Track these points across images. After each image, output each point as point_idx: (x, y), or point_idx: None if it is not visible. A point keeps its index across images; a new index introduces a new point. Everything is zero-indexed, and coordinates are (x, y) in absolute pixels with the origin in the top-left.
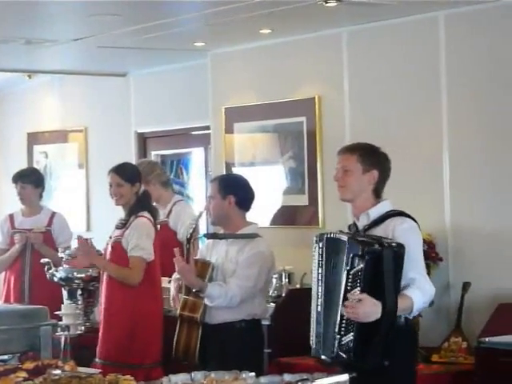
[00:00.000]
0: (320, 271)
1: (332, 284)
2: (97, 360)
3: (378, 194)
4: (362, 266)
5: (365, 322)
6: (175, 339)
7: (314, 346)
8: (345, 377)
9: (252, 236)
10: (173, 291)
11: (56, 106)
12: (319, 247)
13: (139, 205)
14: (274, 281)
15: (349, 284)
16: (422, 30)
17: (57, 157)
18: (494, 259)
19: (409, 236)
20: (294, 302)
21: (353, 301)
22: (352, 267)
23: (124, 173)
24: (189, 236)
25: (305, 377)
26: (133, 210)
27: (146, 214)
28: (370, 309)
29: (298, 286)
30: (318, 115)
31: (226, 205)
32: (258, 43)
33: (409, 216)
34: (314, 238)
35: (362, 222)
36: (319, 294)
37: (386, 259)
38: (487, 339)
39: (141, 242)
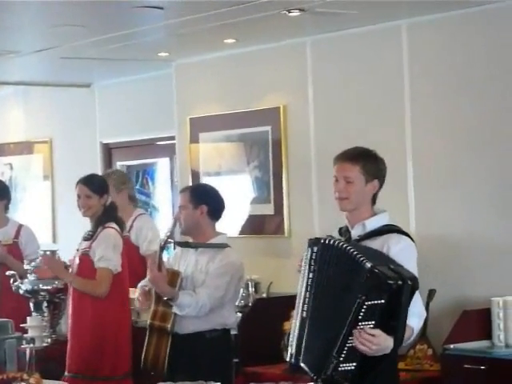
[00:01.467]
0: (311, 276)
1: (328, 296)
2: (66, 374)
3: (374, 202)
4: (381, 302)
5: (371, 357)
6: (144, 350)
7: (293, 352)
8: None
9: (222, 246)
10: (137, 294)
11: (21, 117)
12: (313, 251)
13: (106, 216)
14: (241, 290)
15: (361, 314)
16: (385, 38)
17: (22, 168)
18: (458, 266)
19: (405, 256)
20: (261, 311)
21: (366, 334)
22: (368, 298)
23: (92, 184)
24: (162, 244)
25: None
26: (100, 221)
27: (113, 225)
28: (383, 344)
29: (264, 295)
30: (283, 124)
31: (197, 214)
32: (222, 53)
33: (405, 233)
34: (308, 241)
35: (356, 231)
36: (307, 299)
37: (404, 296)
38: (452, 346)
39: (107, 253)
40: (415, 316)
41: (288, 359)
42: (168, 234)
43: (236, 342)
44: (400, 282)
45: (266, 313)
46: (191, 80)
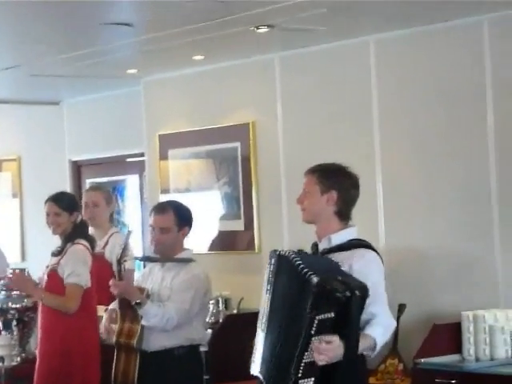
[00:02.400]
0: (269, 288)
1: (282, 310)
2: None
3: (342, 216)
4: (331, 315)
5: (325, 367)
6: (113, 368)
7: (254, 364)
8: None
9: (186, 260)
10: (104, 322)
11: None
12: (271, 263)
13: (76, 232)
14: (211, 307)
15: (313, 329)
16: (353, 54)
17: None
18: (427, 280)
19: (370, 269)
20: (232, 327)
21: (324, 345)
22: (319, 312)
23: (62, 202)
24: (119, 257)
25: None
26: (69, 238)
27: (82, 241)
28: (339, 350)
29: (235, 311)
30: (252, 140)
31: (180, 236)
32: (190, 69)
33: (371, 247)
34: (269, 253)
35: (322, 245)
36: (265, 312)
37: (354, 306)
38: (423, 360)
39: (77, 269)
40: (379, 326)
41: (252, 371)
42: (123, 246)
43: (206, 358)
44: (348, 294)
45: (237, 329)
46: (160, 97)
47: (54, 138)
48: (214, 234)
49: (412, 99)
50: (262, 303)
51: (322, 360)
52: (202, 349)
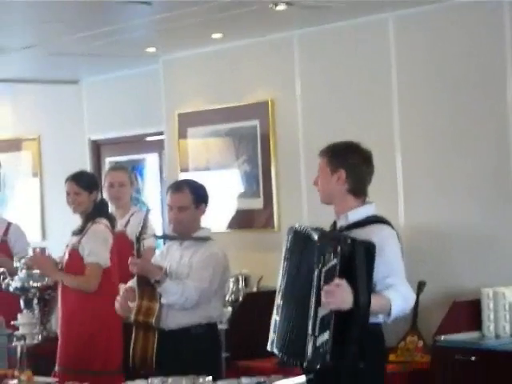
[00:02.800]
0: (285, 265)
1: (297, 281)
2: (56, 368)
3: (356, 193)
4: (335, 261)
5: (339, 319)
6: (132, 347)
7: (276, 344)
8: (302, 378)
9: (204, 239)
10: (119, 299)
11: (9, 114)
12: (287, 240)
13: (96, 212)
14: (231, 285)
15: (322, 281)
16: (371, 31)
17: (11, 166)
18: (447, 258)
19: (387, 243)
20: (251, 305)
21: (330, 287)
22: (324, 264)
23: (82, 181)
24: (138, 235)
25: (262, 379)
26: (90, 217)
27: (103, 220)
28: (346, 295)
29: (254, 289)
30: (271, 118)
31: (197, 214)
32: (209, 48)
33: (388, 223)
34: (287, 230)
35: (340, 223)
36: (281, 288)
37: (358, 254)
38: (442, 337)
39: (96, 248)
40: (397, 292)
41: (268, 348)
42: (141, 225)
43: (227, 336)
44: (349, 241)
45: (257, 307)
46: (179, 75)
47: (74, 117)
48: (233, 212)
49: (432, 76)
50: (279, 278)
51: (330, 303)
52: (222, 327)
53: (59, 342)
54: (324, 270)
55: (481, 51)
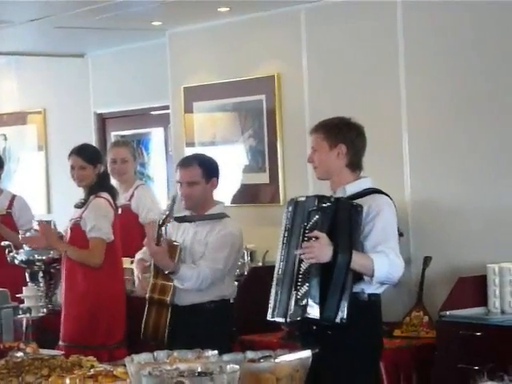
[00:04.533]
0: (286, 235)
1: (293, 247)
2: (60, 342)
3: (353, 168)
4: (317, 217)
5: (320, 273)
6: (144, 322)
7: (270, 310)
8: (307, 353)
9: (221, 216)
10: (137, 272)
11: (14, 87)
12: (288, 211)
13: (99, 185)
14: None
15: (305, 238)
16: (379, 5)
17: (16, 139)
18: (453, 233)
19: (384, 210)
20: (257, 280)
21: (309, 242)
22: (308, 221)
23: (86, 155)
24: (161, 222)
25: (267, 354)
26: (92, 190)
27: (104, 194)
28: (325, 247)
29: (260, 264)
30: (277, 93)
31: (208, 188)
32: (216, 21)
33: (386, 194)
34: (287, 202)
35: (337, 195)
36: (282, 257)
37: (341, 211)
38: (448, 313)
39: (98, 223)
40: (382, 255)
41: (268, 317)
42: (167, 212)
43: (232, 310)
44: (332, 199)
45: (262, 281)
46: (185, 49)
47: (79, 90)
48: (238, 187)
49: (438, 50)
50: (279, 248)
51: (308, 258)
52: None
53: (62, 317)
54: (308, 227)
55: (491, 27)
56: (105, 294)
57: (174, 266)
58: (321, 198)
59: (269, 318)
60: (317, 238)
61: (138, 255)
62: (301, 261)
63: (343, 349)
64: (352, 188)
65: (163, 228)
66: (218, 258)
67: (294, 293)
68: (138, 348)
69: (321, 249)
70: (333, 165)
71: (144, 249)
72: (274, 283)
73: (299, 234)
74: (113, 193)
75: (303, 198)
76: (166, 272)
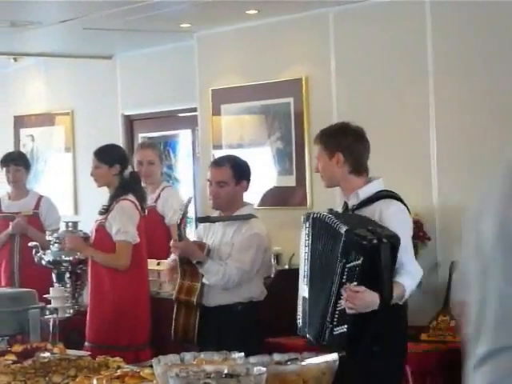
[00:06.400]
0: (306, 251)
1: (320, 267)
2: (86, 343)
3: (358, 172)
4: (359, 262)
5: (361, 315)
6: (173, 323)
7: (300, 325)
8: (334, 356)
9: (247, 217)
10: (167, 265)
11: (42, 88)
12: (306, 227)
13: (122, 188)
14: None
15: (344, 277)
16: (407, 8)
17: (43, 140)
18: None
19: (395, 220)
20: (283, 282)
21: (350, 293)
22: (348, 260)
23: (100, 154)
24: (179, 222)
25: (294, 356)
26: (114, 195)
27: (129, 196)
28: (368, 299)
29: (286, 266)
30: (305, 96)
31: (238, 190)
32: (244, 24)
33: (398, 198)
34: (302, 216)
35: (351, 202)
36: (305, 273)
37: (383, 254)
38: None
39: (123, 226)
40: (408, 274)
41: (298, 332)
42: (182, 212)
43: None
44: (375, 241)
45: (288, 284)
46: (213, 51)
47: (107, 92)
48: (266, 189)
49: (468, 52)
50: (301, 266)
51: (349, 308)
52: None
53: (88, 318)
54: (348, 266)
55: None
56: (130, 295)
57: (202, 255)
58: (363, 239)
59: (303, 334)
60: (357, 291)
61: (169, 260)
62: (338, 298)
63: (370, 355)
64: (365, 193)
65: (182, 227)
66: (244, 260)
67: (329, 325)
68: (165, 350)
69: (363, 303)
70: (335, 173)
71: (171, 258)
72: (301, 299)
73: (334, 266)
74: (140, 195)
75: (329, 219)
76: (195, 261)
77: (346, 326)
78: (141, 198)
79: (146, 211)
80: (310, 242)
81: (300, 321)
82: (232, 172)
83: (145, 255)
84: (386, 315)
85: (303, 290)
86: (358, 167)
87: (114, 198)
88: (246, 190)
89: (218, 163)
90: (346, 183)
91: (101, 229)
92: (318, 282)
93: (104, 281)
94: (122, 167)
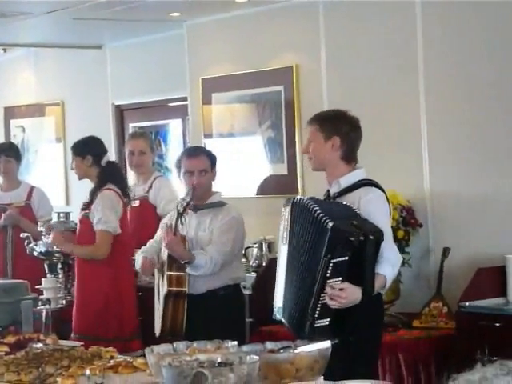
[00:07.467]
0: (285, 235)
1: (301, 257)
2: (72, 335)
3: (348, 160)
4: (345, 258)
5: (341, 309)
6: (161, 317)
7: (276, 309)
8: (327, 344)
9: (222, 204)
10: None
11: (32, 79)
12: (286, 212)
13: (100, 179)
14: (255, 250)
15: (328, 272)
16: None
17: (34, 131)
18: (473, 224)
19: (373, 206)
20: (275, 271)
21: (335, 290)
22: (333, 256)
23: (73, 148)
24: (182, 210)
25: (287, 344)
26: (94, 187)
27: (111, 186)
28: (352, 297)
29: (277, 255)
30: (295, 84)
31: (212, 178)
32: (234, 12)
33: (377, 186)
34: (283, 201)
35: (333, 189)
36: (282, 260)
37: (368, 249)
38: (467, 303)
39: (104, 216)
40: (388, 263)
41: (274, 317)
42: (188, 199)
43: (250, 301)
44: (362, 238)
45: None
46: (203, 40)
47: (97, 82)
48: (257, 178)
49: (460, 39)
50: (280, 252)
51: (333, 305)
52: (246, 292)
53: (74, 310)
54: (333, 261)
55: None
56: (113, 287)
57: (190, 256)
58: (349, 234)
59: (280, 318)
60: (342, 289)
61: (139, 253)
62: (321, 291)
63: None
64: (346, 181)
65: (183, 216)
66: (224, 241)
67: (310, 317)
68: (154, 339)
69: (347, 299)
70: (327, 156)
71: (146, 247)
72: (282, 285)
73: (318, 258)
74: (122, 184)
75: (310, 205)
76: (183, 262)
77: (327, 320)
78: (122, 186)
79: (138, 201)
80: (289, 228)
81: (276, 306)
82: (209, 160)
83: (129, 246)
84: (365, 306)
85: (281, 277)
86: (350, 155)
87: (95, 190)
88: (215, 178)
89: (194, 153)
90: (334, 169)
91: (85, 219)
92: (297, 272)
93: (87, 272)
94: (94, 158)
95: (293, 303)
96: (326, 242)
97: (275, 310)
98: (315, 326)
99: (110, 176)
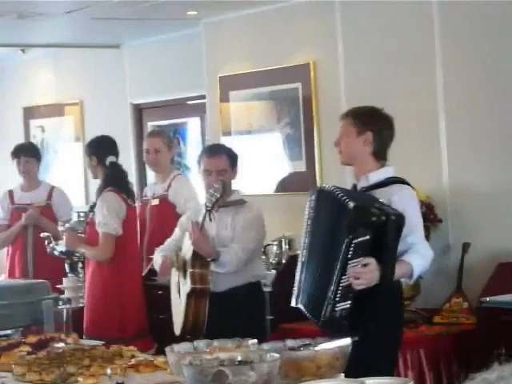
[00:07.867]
0: (309, 223)
1: (323, 241)
2: (84, 337)
3: (378, 157)
4: (367, 238)
5: (363, 291)
6: (183, 314)
7: (295, 294)
8: (347, 341)
9: (242, 202)
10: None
11: (51, 79)
12: (311, 199)
13: (104, 180)
14: (275, 248)
15: (350, 253)
16: None
17: (53, 131)
18: (492, 219)
19: (407, 202)
20: (295, 268)
21: (360, 268)
22: (355, 236)
23: (85, 148)
24: (211, 206)
25: (307, 342)
26: (98, 189)
27: (113, 187)
28: (374, 274)
29: (298, 252)
30: (313, 81)
31: (232, 177)
32: (250, 10)
33: (408, 184)
34: (310, 189)
35: (361, 184)
36: (305, 245)
37: (390, 231)
38: (488, 299)
39: (105, 218)
40: (416, 254)
41: (292, 303)
42: (218, 195)
43: (270, 299)
44: (383, 218)
45: None
46: (220, 38)
47: (116, 81)
48: (275, 175)
49: (477, 35)
50: (303, 236)
51: (358, 284)
52: (266, 289)
53: (85, 310)
54: (354, 241)
55: None
56: (114, 288)
57: (217, 252)
58: (371, 215)
59: (297, 305)
60: (365, 264)
61: (159, 252)
62: (342, 273)
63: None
64: (375, 177)
65: (212, 213)
66: (248, 238)
67: (330, 301)
68: (173, 338)
69: (371, 276)
70: (358, 151)
71: (164, 245)
72: (303, 272)
73: (340, 240)
74: (123, 186)
75: (335, 192)
76: (209, 259)
77: (348, 303)
78: (124, 188)
79: (158, 200)
80: (313, 214)
81: (295, 291)
82: (229, 160)
83: (132, 247)
84: (385, 301)
85: (301, 262)
86: (381, 152)
87: (98, 191)
88: (235, 177)
89: (214, 152)
90: (363, 164)
91: (91, 221)
92: (318, 255)
93: (95, 274)
94: (98, 159)
95: (312, 287)
96: (347, 222)
97: (293, 297)
98: (336, 309)
99: (112, 177)
